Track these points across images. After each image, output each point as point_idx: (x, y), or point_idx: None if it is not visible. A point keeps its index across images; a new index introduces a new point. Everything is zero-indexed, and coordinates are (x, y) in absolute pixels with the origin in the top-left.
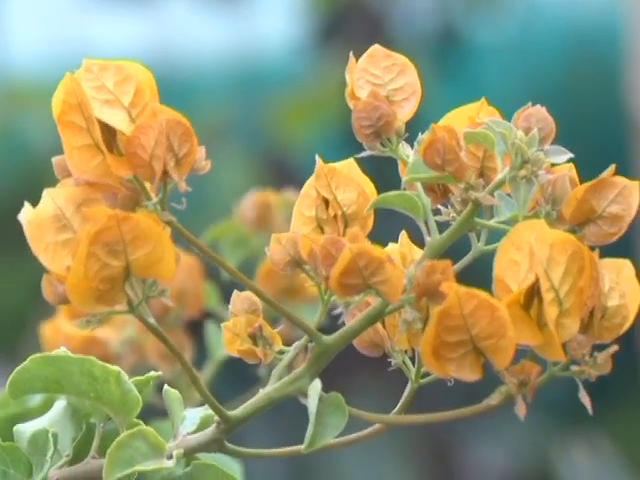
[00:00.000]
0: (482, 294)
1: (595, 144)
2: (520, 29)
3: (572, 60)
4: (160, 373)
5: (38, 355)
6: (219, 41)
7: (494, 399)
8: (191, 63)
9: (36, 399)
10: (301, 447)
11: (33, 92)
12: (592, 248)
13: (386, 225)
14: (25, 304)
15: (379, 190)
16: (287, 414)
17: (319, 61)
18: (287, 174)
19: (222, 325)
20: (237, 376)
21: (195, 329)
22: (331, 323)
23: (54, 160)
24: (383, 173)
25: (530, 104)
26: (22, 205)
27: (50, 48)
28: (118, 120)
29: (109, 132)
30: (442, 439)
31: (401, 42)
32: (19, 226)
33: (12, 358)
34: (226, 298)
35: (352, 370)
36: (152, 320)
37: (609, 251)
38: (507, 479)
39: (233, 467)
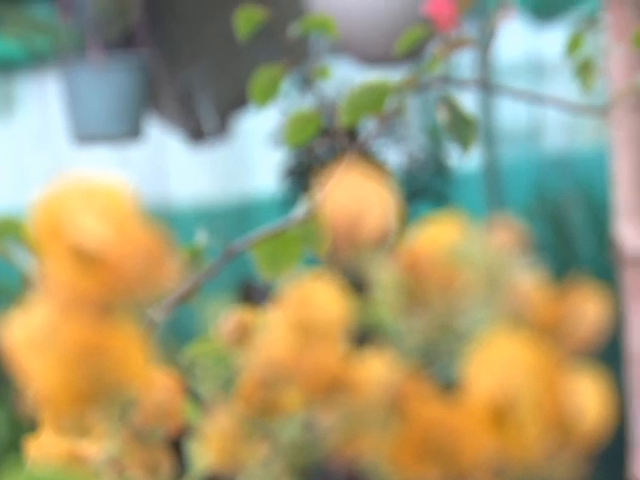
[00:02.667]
0: (451, 409)
1: (582, 272)
2: (496, 158)
3: (552, 187)
4: None
5: (23, 472)
6: (204, 175)
7: None
8: (175, 195)
9: None
10: None
11: (12, 224)
12: (561, 360)
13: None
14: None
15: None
16: None
17: (303, 196)
18: (260, 300)
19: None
20: None
21: (175, 447)
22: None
23: (32, 279)
24: (357, 286)
25: (501, 219)
26: None
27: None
28: (97, 243)
29: (88, 255)
30: None
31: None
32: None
33: None
34: (206, 414)
35: None
36: (128, 428)
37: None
38: None
39: None
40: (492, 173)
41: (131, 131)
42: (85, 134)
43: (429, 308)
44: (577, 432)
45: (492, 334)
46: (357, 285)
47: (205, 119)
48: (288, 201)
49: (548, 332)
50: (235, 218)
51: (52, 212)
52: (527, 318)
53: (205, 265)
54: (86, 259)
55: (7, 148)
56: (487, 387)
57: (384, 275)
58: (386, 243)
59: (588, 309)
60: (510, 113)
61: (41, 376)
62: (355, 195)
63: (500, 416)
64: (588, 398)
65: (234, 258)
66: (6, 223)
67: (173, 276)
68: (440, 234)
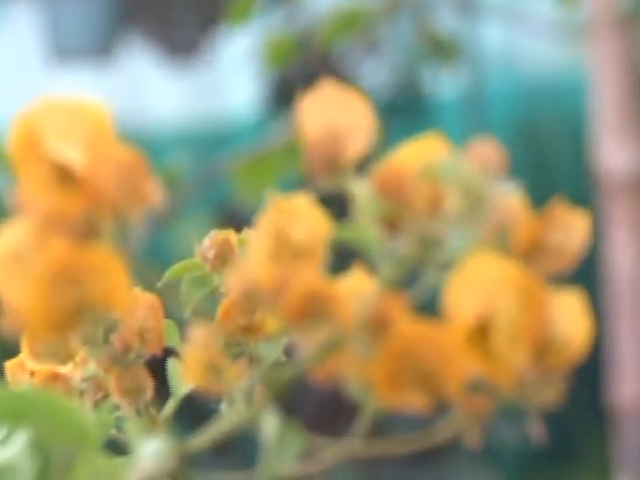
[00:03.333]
0: (432, 329)
1: (558, 197)
2: (475, 87)
3: (533, 116)
4: (120, 408)
5: (2, 389)
6: (181, 99)
7: (445, 428)
8: (153, 119)
9: None
10: (257, 474)
11: None
12: (542, 279)
13: (341, 258)
14: None
15: (336, 223)
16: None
17: (279, 118)
18: (239, 225)
19: (183, 359)
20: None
21: (156, 368)
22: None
23: (10, 194)
24: (337, 209)
25: (481, 140)
26: None
27: (14, 108)
28: (72, 157)
29: (64, 169)
30: None
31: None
32: None
33: None
34: (187, 336)
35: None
36: (108, 350)
37: (566, 279)
38: None
39: None
40: (471, 100)
41: (107, 46)
42: (62, 49)
43: (409, 228)
44: (561, 351)
45: (474, 255)
46: (336, 207)
47: (182, 33)
48: (264, 125)
49: (529, 253)
50: (211, 142)
51: (30, 129)
52: (508, 239)
53: (184, 186)
54: (65, 175)
55: None
56: (469, 306)
57: (363, 194)
58: (365, 162)
59: (570, 230)
60: (489, 38)
61: (18, 298)
62: (334, 114)
63: (482, 335)
64: (571, 317)
65: (212, 183)
66: None
67: (153, 194)
68: (420, 153)
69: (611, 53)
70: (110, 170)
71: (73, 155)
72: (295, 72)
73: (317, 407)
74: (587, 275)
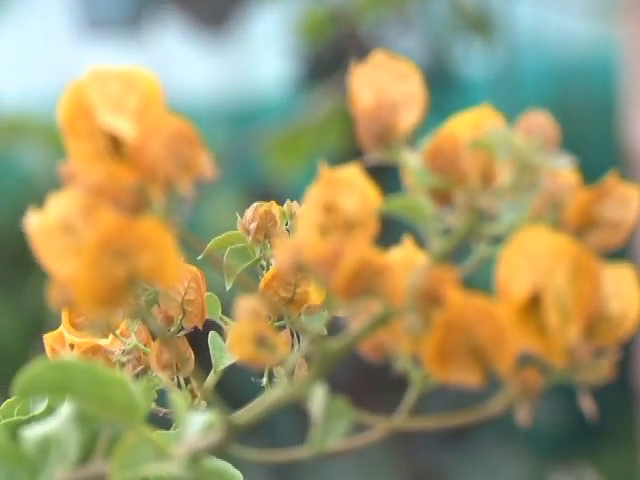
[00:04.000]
0: (484, 303)
1: (590, 177)
2: (508, 65)
3: (565, 93)
4: (163, 380)
5: (43, 360)
6: (211, 74)
7: (497, 404)
8: (184, 95)
9: (40, 407)
10: (305, 451)
11: (28, 123)
12: (594, 255)
13: (392, 230)
14: (24, 340)
15: (384, 196)
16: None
17: (310, 94)
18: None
19: (227, 330)
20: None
21: (197, 341)
22: (335, 332)
23: (60, 166)
24: (388, 181)
25: (531, 113)
26: (17, 235)
27: (44, 80)
28: (124, 127)
29: (115, 139)
30: (434, 476)
31: None
32: (16, 259)
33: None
34: (228, 309)
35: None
36: (155, 322)
37: (609, 256)
38: None
39: (235, 474)
40: (503, 77)
41: (137, 18)
42: (93, 20)
43: (460, 201)
44: (613, 326)
45: (526, 228)
46: (385, 180)
47: (212, 6)
48: (294, 101)
49: (582, 227)
50: (240, 117)
51: (81, 98)
52: (561, 212)
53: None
54: (115, 146)
55: (15, 45)
56: (521, 280)
57: (415, 166)
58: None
59: (624, 204)
60: (521, 15)
61: (65, 271)
62: (386, 85)
63: (534, 310)
64: (624, 292)
65: (244, 159)
66: (19, 121)
67: (205, 166)
68: (471, 125)
69: None
70: (162, 141)
71: (124, 125)
72: (326, 49)
73: (348, 382)
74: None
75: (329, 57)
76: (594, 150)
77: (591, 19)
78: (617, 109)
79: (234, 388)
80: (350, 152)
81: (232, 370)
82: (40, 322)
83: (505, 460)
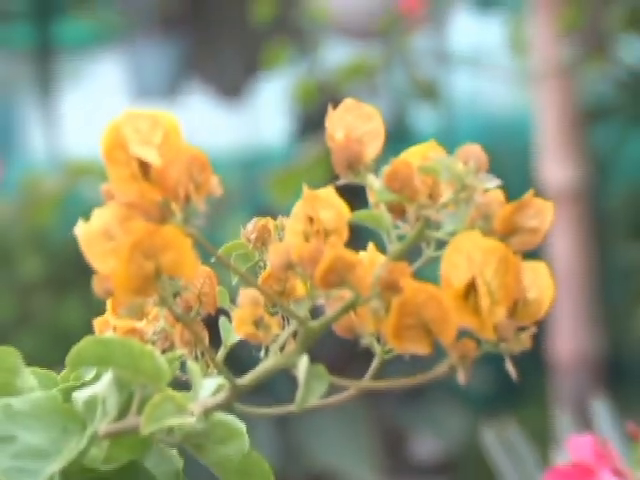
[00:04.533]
0: (432, 288)
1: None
2: (449, 121)
3: (493, 144)
4: (184, 353)
5: (90, 337)
6: (230, 130)
7: (441, 368)
8: (209, 146)
9: (90, 374)
10: (291, 407)
11: (92, 167)
12: (516, 253)
13: (357, 239)
14: (92, 329)
15: (352, 211)
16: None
17: (303, 144)
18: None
19: (232, 313)
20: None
21: (211, 324)
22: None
23: (102, 187)
24: (355, 199)
25: (467, 144)
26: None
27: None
28: (151, 156)
29: (144, 166)
30: (395, 428)
31: None
32: (85, 269)
33: None
34: (234, 300)
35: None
36: (179, 310)
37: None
38: (445, 458)
39: (240, 425)
40: (445, 130)
41: (174, 88)
42: (143, 91)
43: (413, 214)
44: (532, 308)
45: (463, 234)
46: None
47: (230, 79)
48: (292, 149)
49: (507, 233)
50: (252, 163)
51: (117, 134)
52: (490, 222)
53: (232, 195)
54: (144, 170)
55: (82, 110)
56: (460, 274)
57: (377, 187)
58: (377, 163)
59: (540, 215)
60: (460, 84)
61: (106, 268)
62: (354, 124)
63: (470, 296)
64: (540, 282)
65: (254, 193)
66: (84, 165)
67: (215, 186)
68: (420, 155)
69: (554, 95)
70: (180, 166)
71: (151, 154)
72: (315, 109)
73: (334, 355)
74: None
75: (317, 116)
76: (516, 185)
77: (512, 87)
78: (532, 155)
79: (241, 361)
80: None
81: (239, 346)
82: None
83: (449, 416)
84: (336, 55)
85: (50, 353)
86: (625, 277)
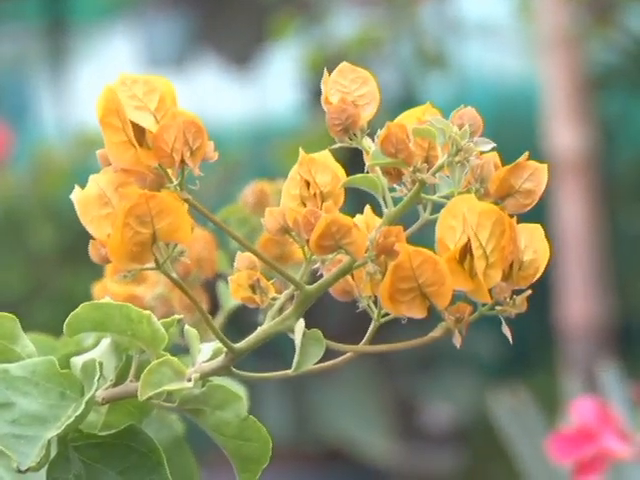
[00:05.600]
0: (427, 252)
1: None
2: (458, 91)
3: (500, 115)
4: (182, 317)
5: (87, 303)
6: (240, 101)
7: (437, 332)
8: (219, 117)
9: (89, 341)
10: (289, 371)
11: (101, 137)
12: (511, 216)
13: (353, 202)
14: None
15: (349, 174)
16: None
17: (313, 115)
18: None
19: (229, 279)
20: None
21: (210, 289)
22: (313, 279)
23: (98, 153)
24: (352, 161)
25: (462, 106)
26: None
27: None
28: (146, 121)
29: (139, 131)
30: (406, 397)
31: None
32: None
33: None
34: (234, 264)
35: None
36: (175, 275)
37: (525, 218)
38: (456, 425)
39: (238, 390)
40: (456, 103)
41: (185, 58)
42: (155, 62)
43: (408, 177)
44: (528, 269)
45: (459, 196)
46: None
47: (240, 49)
48: (302, 119)
49: (502, 195)
50: (262, 132)
51: (113, 99)
52: (485, 184)
53: (242, 165)
54: (140, 135)
55: (94, 83)
56: (455, 236)
57: (373, 150)
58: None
59: (535, 177)
60: (469, 52)
61: (103, 233)
62: (349, 88)
63: (465, 258)
64: (535, 243)
65: (265, 161)
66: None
67: (210, 150)
68: (416, 118)
69: (561, 62)
70: (175, 131)
71: (147, 119)
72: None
73: (342, 323)
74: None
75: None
76: (523, 151)
77: (520, 57)
78: (539, 123)
79: (245, 324)
80: (344, 156)
81: (243, 310)
82: None
83: (458, 383)
84: (344, 25)
85: (63, 324)
86: (633, 243)
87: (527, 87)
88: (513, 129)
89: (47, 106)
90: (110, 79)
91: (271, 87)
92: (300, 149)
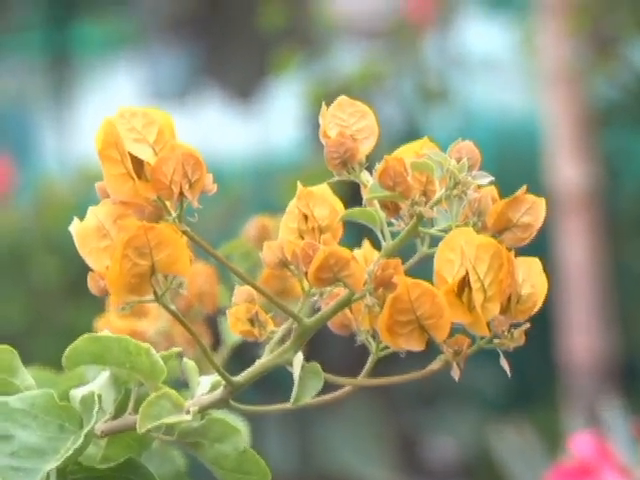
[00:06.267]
0: (425, 284)
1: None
2: (461, 125)
3: (502, 150)
4: (181, 350)
5: (86, 335)
6: (243, 136)
7: (435, 364)
8: (222, 152)
9: (90, 375)
10: (288, 405)
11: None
12: (509, 249)
13: (351, 237)
14: None
15: (347, 208)
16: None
17: (315, 150)
18: None
19: (227, 312)
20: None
21: (212, 324)
22: (312, 313)
23: (97, 185)
24: (351, 196)
25: (460, 140)
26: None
27: None
28: (145, 154)
29: (138, 163)
30: (409, 432)
31: None
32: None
33: None
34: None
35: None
36: (173, 307)
37: (527, 252)
38: (459, 460)
39: (238, 423)
40: (459, 134)
41: (189, 92)
42: (158, 95)
43: (406, 210)
44: (525, 303)
45: (457, 230)
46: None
47: (243, 84)
48: (304, 153)
49: (499, 229)
50: (265, 166)
51: (112, 131)
52: (483, 218)
53: (244, 199)
54: (139, 167)
55: (97, 116)
56: (453, 269)
57: (371, 184)
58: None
59: (533, 211)
60: (473, 89)
61: (101, 265)
62: (348, 122)
63: (463, 292)
64: (533, 278)
65: (267, 196)
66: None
67: (209, 183)
68: (413, 152)
69: (564, 97)
70: (174, 163)
71: (145, 152)
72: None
73: (344, 357)
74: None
75: None
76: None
77: (523, 92)
78: (542, 158)
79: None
80: (343, 190)
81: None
82: None
83: (461, 418)
84: (347, 59)
85: (60, 359)
86: (637, 278)
87: (530, 122)
88: (516, 164)
89: (50, 140)
90: (111, 112)
91: (274, 122)
92: (298, 183)
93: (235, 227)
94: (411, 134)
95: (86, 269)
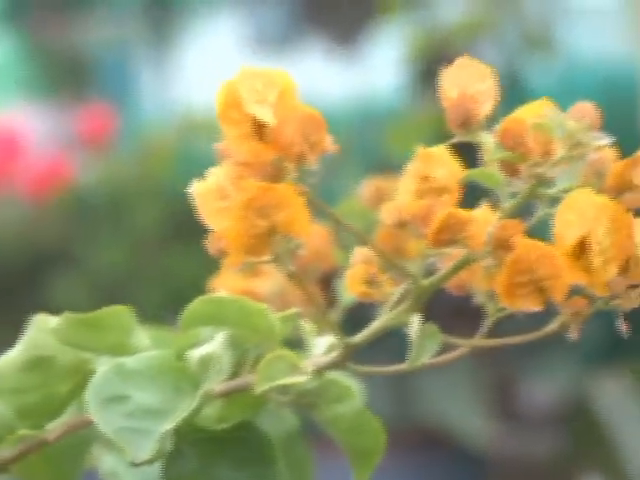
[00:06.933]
0: (544, 245)
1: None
2: (564, 74)
3: (605, 98)
4: (299, 310)
5: (202, 297)
6: (344, 82)
7: (554, 326)
8: (323, 98)
9: (204, 334)
10: (403, 366)
11: (206, 120)
12: (628, 211)
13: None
14: (202, 278)
15: (465, 169)
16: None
17: (418, 97)
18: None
19: (344, 274)
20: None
21: (327, 283)
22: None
23: (216, 146)
24: (468, 156)
25: (582, 101)
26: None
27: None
28: (265, 115)
29: (258, 124)
30: (506, 376)
31: None
32: (197, 221)
33: None
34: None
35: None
36: (291, 267)
37: None
38: (556, 408)
39: (352, 384)
40: (563, 88)
41: (291, 38)
42: (260, 42)
43: (525, 171)
44: None
45: (576, 190)
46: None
47: (345, 29)
48: (407, 101)
49: (618, 190)
50: (367, 115)
51: (232, 93)
52: (603, 179)
53: (347, 148)
54: (259, 129)
55: (199, 63)
56: (572, 231)
57: (490, 145)
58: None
59: None
60: (576, 35)
61: (220, 226)
62: (467, 82)
63: (582, 253)
64: None
65: (370, 145)
66: (200, 118)
67: (329, 144)
68: (533, 112)
69: None
70: (295, 125)
71: (266, 113)
72: (430, 62)
73: (448, 314)
74: None
75: (432, 68)
76: (625, 136)
77: (626, 41)
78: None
79: (360, 319)
80: (447, 138)
81: (359, 304)
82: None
83: (561, 368)
84: (450, 8)
85: (167, 304)
86: None
87: (634, 70)
88: (619, 112)
89: (151, 86)
90: (215, 60)
91: (375, 68)
92: (418, 145)
93: (339, 175)
94: (513, 83)
95: (190, 217)
